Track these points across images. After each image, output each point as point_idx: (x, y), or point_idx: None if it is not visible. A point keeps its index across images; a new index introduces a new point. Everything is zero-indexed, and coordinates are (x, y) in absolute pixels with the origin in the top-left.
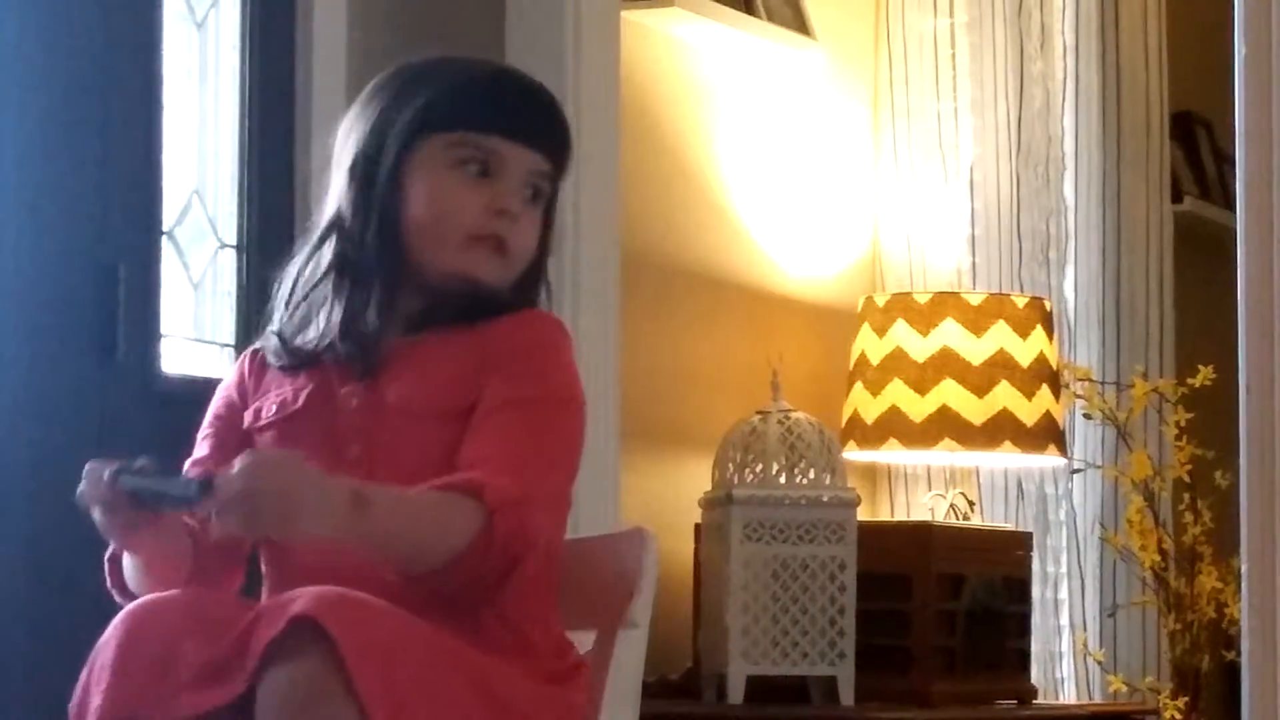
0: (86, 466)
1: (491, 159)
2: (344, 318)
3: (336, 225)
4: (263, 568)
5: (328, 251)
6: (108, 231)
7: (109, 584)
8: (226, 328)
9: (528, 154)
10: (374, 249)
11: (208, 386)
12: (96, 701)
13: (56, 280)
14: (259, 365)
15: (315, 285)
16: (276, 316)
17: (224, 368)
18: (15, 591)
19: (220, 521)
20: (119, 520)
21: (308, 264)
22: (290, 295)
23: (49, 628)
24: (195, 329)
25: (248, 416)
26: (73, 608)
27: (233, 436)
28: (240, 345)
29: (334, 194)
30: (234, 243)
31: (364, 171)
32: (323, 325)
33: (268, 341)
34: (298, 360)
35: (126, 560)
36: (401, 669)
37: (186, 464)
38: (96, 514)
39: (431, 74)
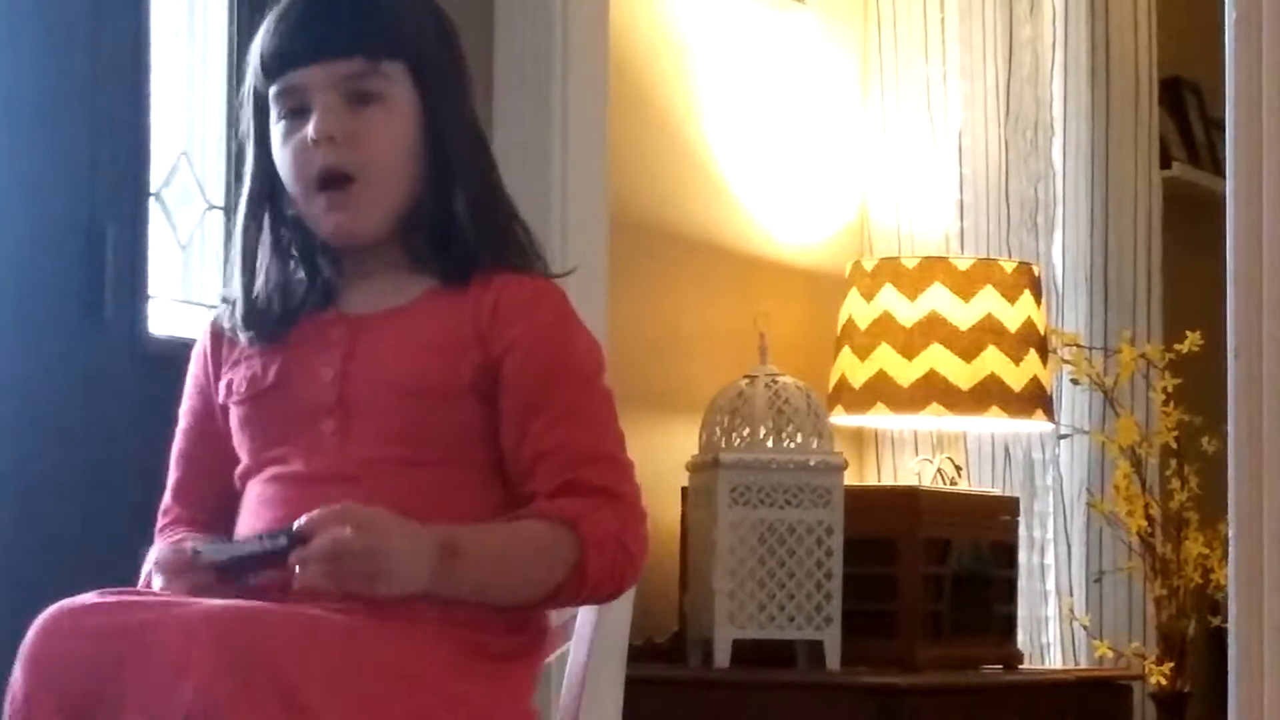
0: (158, 553)
1: (300, 94)
2: (283, 288)
3: (260, 195)
4: (242, 496)
5: (263, 220)
6: (95, 193)
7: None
8: (214, 289)
9: (326, 67)
10: (281, 221)
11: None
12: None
13: (44, 241)
14: (224, 339)
15: (255, 255)
16: (233, 285)
17: None
18: (4, 553)
19: (304, 577)
20: (199, 591)
21: (247, 230)
22: (241, 264)
23: (36, 586)
24: (183, 290)
25: (220, 390)
26: (60, 567)
27: (212, 425)
28: None
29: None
30: (221, 204)
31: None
32: (270, 295)
33: (227, 318)
34: (261, 334)
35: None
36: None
37: (173, 455)
38: (171, 586)
39: (260, 26)
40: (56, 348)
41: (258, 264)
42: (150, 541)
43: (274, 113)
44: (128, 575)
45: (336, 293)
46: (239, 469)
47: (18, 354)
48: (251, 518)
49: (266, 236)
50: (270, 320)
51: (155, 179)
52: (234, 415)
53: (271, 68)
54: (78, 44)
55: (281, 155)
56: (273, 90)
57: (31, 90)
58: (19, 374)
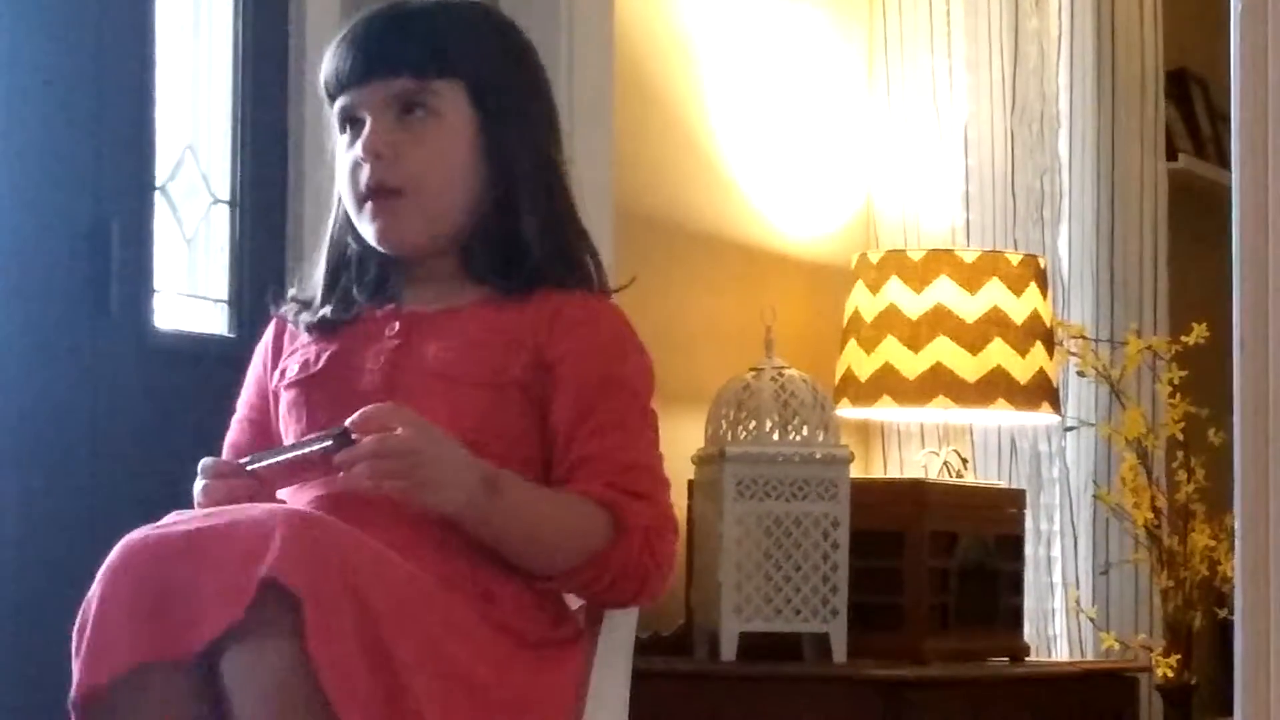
0: (205, 465)
1: (353, 112)
2: (346, 289)
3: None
4: None
5: (338, 223)
6: (100, 187)
7: None
8: (220, 283)
9: (377, 86)
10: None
11: (200, 342)
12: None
13: (49, 236)
14: (286, 330)
15: (330, 253)
16: (310, 279)
17: (217, 323)
18: (7, 547)
19: (350, 475)
20: (238, 497)
21: (332, 231)
22: (320, 259)
23: (42, 582)
24: (188, 284)
25: (274, 377)
26: (66, 563)
27: (265, 418)
28: (233, 301)
29: None
30: (227, 198)
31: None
32: (334, 293)
33: (292, 312)
34: (320, 324)
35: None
36: (376, 635)
37: (225, 445)
38: (219, 496)
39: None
40: (62, 342)
41: (328, 267)
42: None
43: (336, 129)
44: None
45: (397, 295)
46: None
47: (23, 348)
48: (291, 498)
49: (340, 244)
50: (330, 312)
51: (160, 173)
52: (284, 400)
53: (331, 88)
54: (83, 37)
55: (338, 170)
56: (334, 109)
57: (36, 84)
58: (24, 368)
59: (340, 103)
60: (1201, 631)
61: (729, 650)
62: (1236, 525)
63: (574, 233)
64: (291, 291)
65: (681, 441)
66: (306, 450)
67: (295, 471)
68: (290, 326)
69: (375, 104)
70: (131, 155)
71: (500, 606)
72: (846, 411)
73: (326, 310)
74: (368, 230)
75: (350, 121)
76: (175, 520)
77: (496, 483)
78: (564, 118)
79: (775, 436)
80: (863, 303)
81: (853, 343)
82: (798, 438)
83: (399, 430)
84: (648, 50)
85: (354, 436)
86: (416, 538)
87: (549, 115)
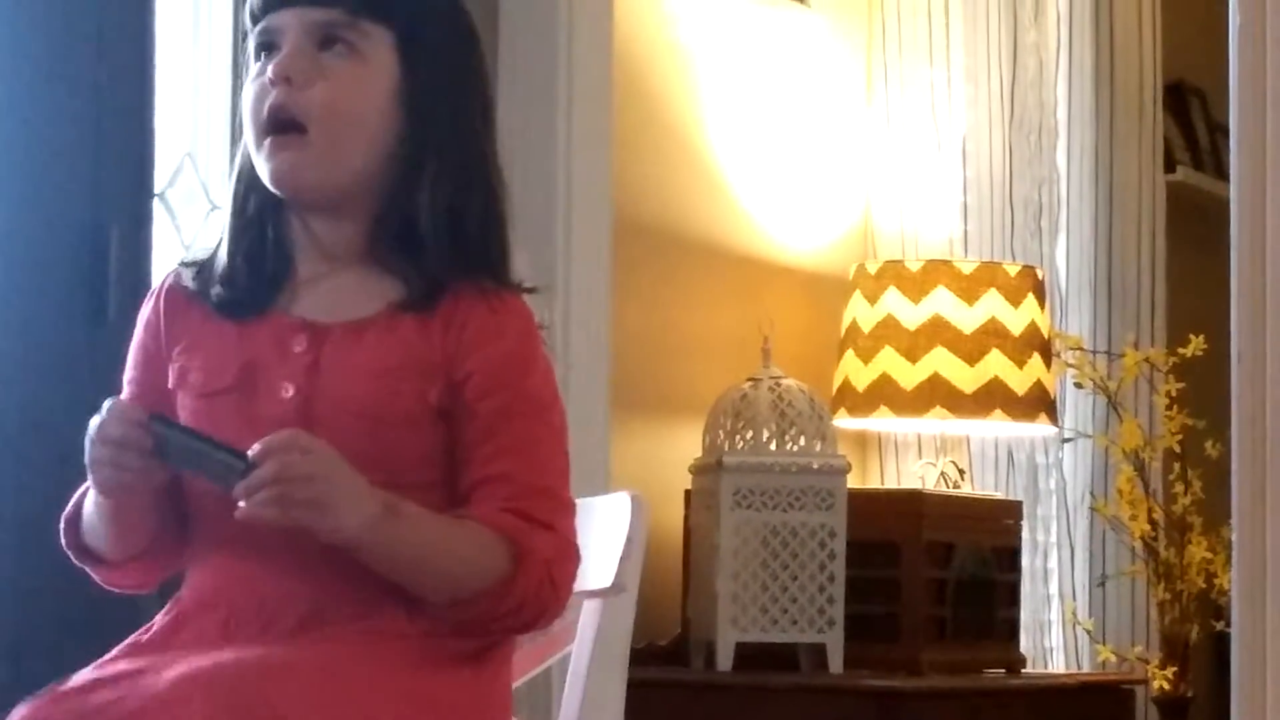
0: (111, 403)
1: (274, 37)
2: (249, 254)
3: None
4: (189, 505)
5: (241, 175)
6: (99, 194)
7: (65, 543)
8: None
9: (304, 10)
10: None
11: None
12: None
13: (48, 242)
14: (179, 301)
15: (232, 208)
16: (202, 247)
17: None
18: (5, 552)
19: (250, 504)
20: (128, 465)
21: (235, 186)
22: (225, 225)
23: (38, 588)
24: None
25: (173, 373)
26: (62, 570)
27: (159, 400)
28: None
29: None
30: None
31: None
32: (237, 258)
33: (191, 277)
34: (227, 305)
35: (91, 511)
36: None
37: None
38: (107, 452)
39: None
40: (60, 348)
41: (230, 227)
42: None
43: (250, 52)
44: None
45: (295, 267)
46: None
47: (21, 355)
48: (201, 522)
49: (241, 198)
50: (238, 287)
51: (160, 180)
52: (185, 407)
53: (256, 10)
54: (83, 44)
55: (244, 98)
56: (252, 35)
57: (36, 90)
58: (22, 374)
59: (260, 25)
60: (1198, 644)
61: (725, 661)
62: (1233, 537)
63: (488, 214)
64: (185, 256)
65: (679, 451)
66: (215, 455)
67: (191, 464)
68: (180, 303)
69: (296, 31)
70: (130, 162)
71: (427, 621)
72: (844, 422)
73: (240, 290)
74: (264, 169)
75: (266, 48)
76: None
77: (397, 509)
78: (563, 127)
79: (772, 446)
80: (860, 313)
81: (850, 353)
82: (795, 448)
83: (298, 457)
84: (646, 60)
85: (254, 463)
86: (327, 570)
87: (478, 87)
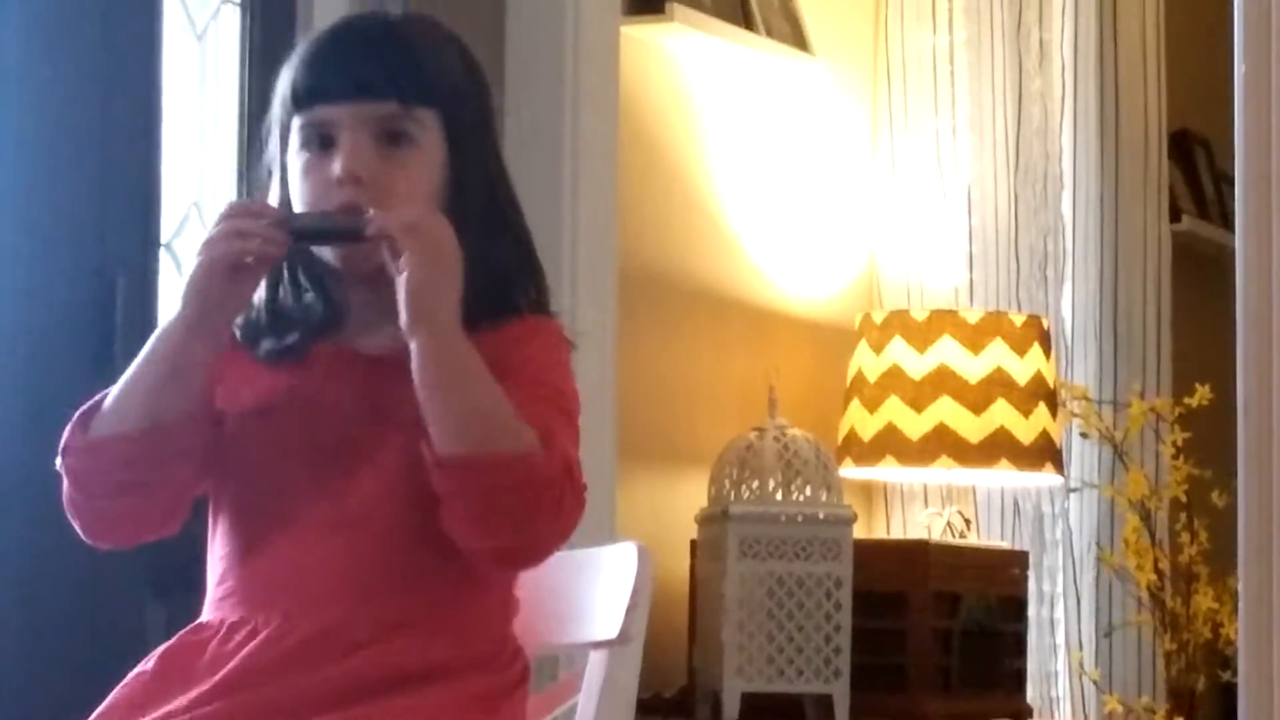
0: (235, 204)
1: (327, 130)
2: (296, 310)
3: None
4: (222, 513)
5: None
6: (106, 243)
7: (66, 444)
8: None
9: (360, 107)
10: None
11: None
12: None
13: (55, 291)
14: (235, 349)
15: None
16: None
17: None
18: (11, 608)
19: (385, 218)
20: (259, 231)
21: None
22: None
23: (46, 639)
24: None
25: (219, 392)
26: (69, 619)
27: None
28: None
29: None
30: None
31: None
32: (283, 313)
33: (240, 329)
34: (275, 349)
35: (136, 372)
36: None
37: None
38: (237, 223)
39: (291, 55)
40: (66, 398)
41: (274, 286)
42: (162, 598)
43: (295, 142)
44: (137, 627)
45: (346, 321)
46: (217, 487)
47: (27, 404)
48: (232, 537)
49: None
50: (283, 337)
51: (166, 230)
52: (236, 425)
53: (302, 100)
54: (90, 94)
55: (301, 188)
56: (298, 121)
57: (43, 139)
58: (28, 424)
59: (310, 116)
60: (1205, 694)
61: (731, 711)
62: (1240, 588)
63: (524, 258)
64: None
65: (685, 501)
66: (336, 223)
67: (315, 223)
68: (227, 349)
69: (355, 124)
70: (137, 212)
71: (459, 670)
72: (849, 471)
73: (292, 338)
74: (333, 256)
75: (319, 140)
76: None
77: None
78: (569, 176)
79: (778, 496)
80: (866, 362)
81: (856, 402)
82: (801, 497)
83: (438, 222)
84: (652, 109)
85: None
86: (367, 612)
87: (498, 141)
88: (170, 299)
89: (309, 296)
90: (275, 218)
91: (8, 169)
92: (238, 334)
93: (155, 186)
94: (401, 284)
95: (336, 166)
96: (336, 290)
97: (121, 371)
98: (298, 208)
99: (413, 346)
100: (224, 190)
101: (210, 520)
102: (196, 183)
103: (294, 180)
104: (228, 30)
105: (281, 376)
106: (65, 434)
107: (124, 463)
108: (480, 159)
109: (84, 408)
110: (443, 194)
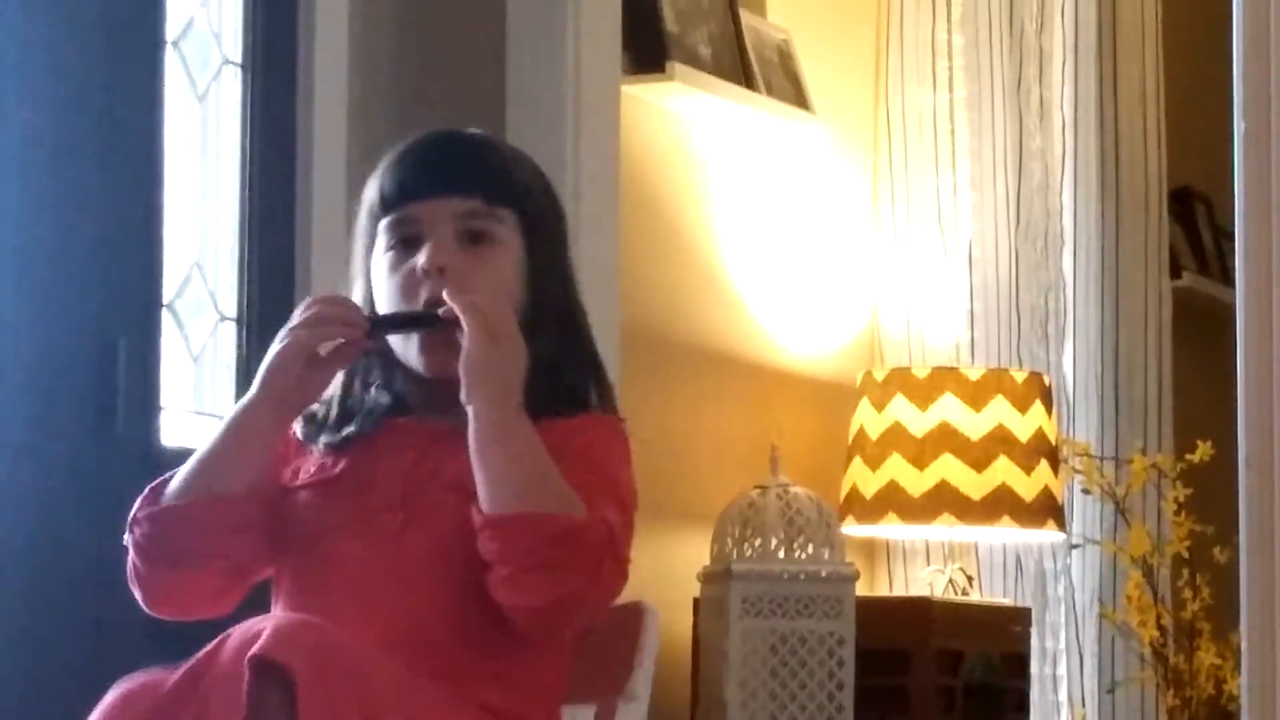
0: (320, 295)
1: (412, 228)
2: (364, 409)
3: None
4: (283, 585)
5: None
6: (108, 303)
7: (138, 514)
8: (226, 400)
9: (442, 203)
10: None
11: None
12: None
13: (57, 352)
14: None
15: (350, 378)
16: (332, 395)
17: None
18: (14, 667)
19: (462, 300)
20: (347, 319)
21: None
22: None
23: (47, 695)
24: (195, 401)
25: (286, 473)
26: (70, 678)
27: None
28: None
29: None
30: (234, 315)
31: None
32: (349, 413)
33: (303, 424)
34: (334, 443)
35: (210, 450)
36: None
37: None
38: (324, 310)
39: (377, 167)
40: (68, 458)
41: (349, 382)
42: (162, 659)
43: (381, 244)
44: None
45: (409, 410)
46: (278, 561)
47: (30, 464)
48: (296, 595)
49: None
50: (340, 430)
51: (168, 290)
52: (294, 499)
53: (391, 199)
54: (91, 154)
55: (387, 284)
56: (386, 221)
57: (46, 198)
58: (31, 484)
59: (399, 215)
60: None
61: None
62: (1242, 644)
63: (589, 359)
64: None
65: (687, 559)
66: (415, 312)
67: (394, 321)
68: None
69: (439, 220)
70: (139, 272)
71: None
72: (852, 529)
73: (349, 429)
74: (415, 358)
75: (404, 240)
76: (165, 671)
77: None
78: (571, 235)
79: (781, 554)
80: (868, 420)
81: (858, 460)
82: (803, 555)
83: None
84: (653, 169)
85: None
86: (415, 639)
87: (568, 242)
88: (172, 359)
89: (375, 391)
90: (356, 309)
91: (10, 229)
92: (299, 425)
93: (157, 247)
94: (463, 358)
95: (422, 258)
96: (404, 386)
97: (123, 431)
98: (382, 308)
99: (470, 412)
100: (225, 250)
101: (273, 596)
102: (198, 243)
103: (379, 280)
104: (229, 91)
105: (344, 453)
106: (135, 506)
107: (183, 532)
108: (555, 262)
109: (154, 483)
110: (519, 293)
